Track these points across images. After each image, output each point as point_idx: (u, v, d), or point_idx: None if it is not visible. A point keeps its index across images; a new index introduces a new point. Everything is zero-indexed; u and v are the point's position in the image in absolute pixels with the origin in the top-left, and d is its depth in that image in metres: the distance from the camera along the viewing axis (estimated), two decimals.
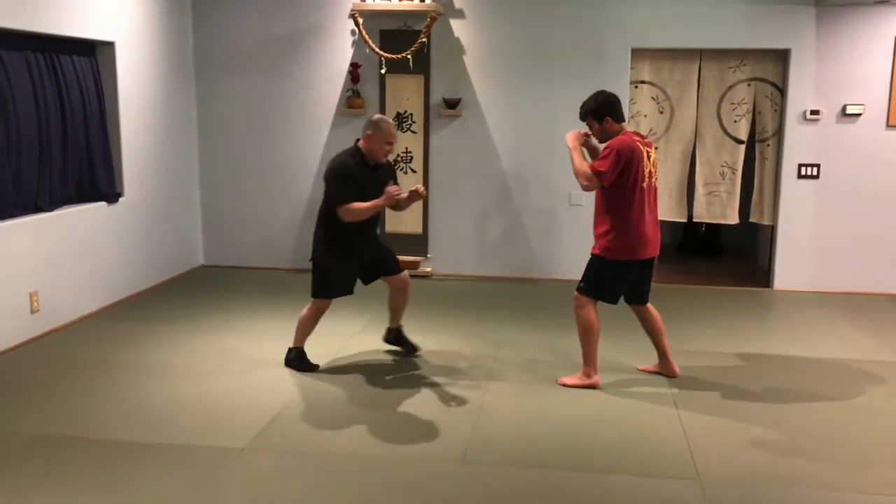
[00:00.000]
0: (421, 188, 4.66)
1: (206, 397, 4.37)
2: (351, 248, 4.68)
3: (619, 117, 4.53)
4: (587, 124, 4.58)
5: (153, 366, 4.85)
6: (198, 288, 6.81)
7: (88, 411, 4.17)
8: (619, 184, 4.37)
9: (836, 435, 3.96)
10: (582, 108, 4.58)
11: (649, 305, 4.71)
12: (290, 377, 4.67)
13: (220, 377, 4.67)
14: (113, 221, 6.18)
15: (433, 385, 4.60)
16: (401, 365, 4.94)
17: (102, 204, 6.06)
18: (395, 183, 4.73)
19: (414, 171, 7.21)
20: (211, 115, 7.41)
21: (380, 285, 4.99)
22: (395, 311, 5.08)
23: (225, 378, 4.66)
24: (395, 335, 5.13)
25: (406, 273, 4.99)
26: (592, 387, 4.56)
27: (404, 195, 4.62)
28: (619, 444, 3.84)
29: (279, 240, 7.50)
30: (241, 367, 4.86)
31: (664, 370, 4.81)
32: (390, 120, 4.73)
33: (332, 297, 4.78)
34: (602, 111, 4.49)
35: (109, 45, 6.09)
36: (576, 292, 4.60)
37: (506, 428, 4.02)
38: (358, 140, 4.67)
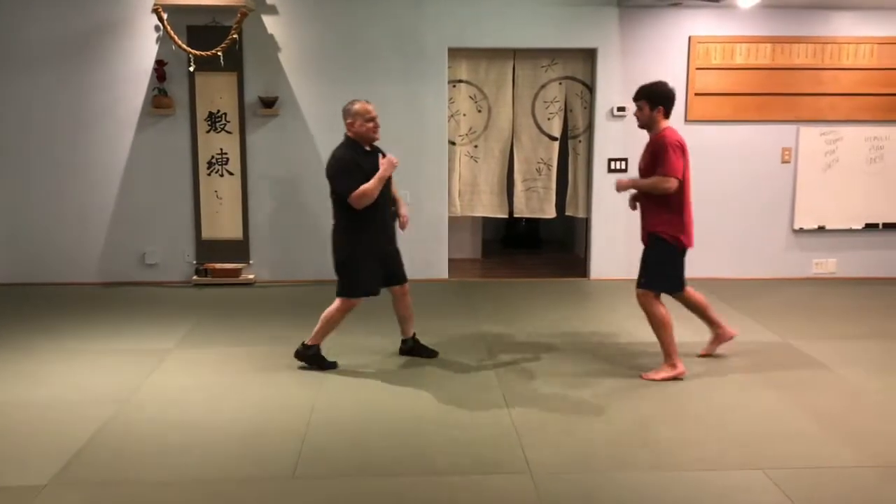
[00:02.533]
0: (392, 158, 4.65)
1: (5, 430, 3.90)
2: (373, 241, 4.64)
3: (668, 112, 4.61)
4: (637, 105, 4.61)
5: None
6: None
7: None
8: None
9: (653, 416, 4.14)
10: (642, 88, 4.63)
11: (689, 288, 4.81)
12: (97, 404, 4.27)
13: (17, 407, 4.20)
14: None
15: (258, 400, 4.37)
16: (220, 380, 4.66)
17: None
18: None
19: (231, 174, 6.90)
20: (2, 120, 6.72)
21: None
22: (405, 321, 4.99)
23: (24, 408, 4.19)
24: (410, 346, 5.03)
25: (407, 283, 4.94)
26: (678, 377, 4.59)
27: (396, 160, 4.64)
28: (455, 443, 3.81)
29: (82, 252, 6.93)
30: (43, 394, 4.40)
31: (722, 338, 4.95)
32: (361, 100, 4.70)
33: (360, 297, 4.70)
34: (659, 100, 4.56)
35: None
36: (639, 289, 4.63)
37: (338, 436, 3.88)
38: (346, 134, 4.66)
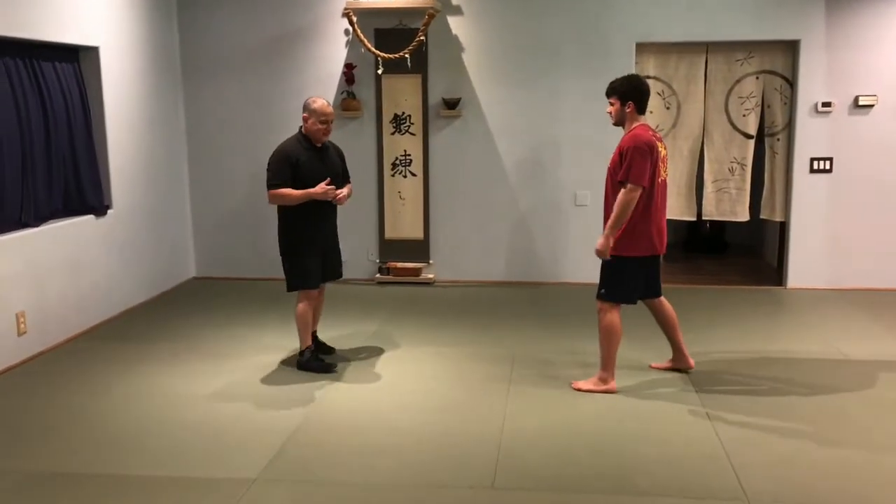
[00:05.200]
0: (340, 194, 4.70)
1: (207, 424, 4.08)
2: (315, 235, 4.73)
3: (642, 108, 4.38)
4: (609, 101, 4.41)
5: (148, 390, 4.55)
6: (191, 302, 6.52)
7: (78, 443, 3.88)
8: None
9: (881, 440, 3.74)
10: (611, 84, 4.42)
11: (662, 298, 4.60)
12: (295, 399, 4.39)
13: (222, 401, 4.39)
14: (101, 235, 5.88)
15: (449, 403, 4.34)
16: (407, 381, 4.67)
17: (90, 217, 5.76)
18: (344, 166, 4.93)
19: (414, 175, 6.96)
20: (200, 121, 7.12)
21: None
22: (315, 320, 5.05)
23: (227, 402, 4.38)
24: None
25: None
26: (609, 392, 4.37)
27: (341, 193, 4.70)
28: (657, 461, 3.60)
29: (275, 249, 7.18)
30: (244, 388, 4.58)
31: (679, 364, 4.70)
32: (324, 99, 4.73)
33: (316, 286, 4.79)
34: (629, 95, 4.34)
35: (93, 50, 5.79)
36: (598, 300, 4.40)
37: (534, 446, 3.77)
38: (300, 127, 4.74)
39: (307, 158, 4.64)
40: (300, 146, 4.67)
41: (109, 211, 5.98)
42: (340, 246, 5.07)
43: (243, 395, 4.46)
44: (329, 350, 5.11)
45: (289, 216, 4.72)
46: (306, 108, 4.66)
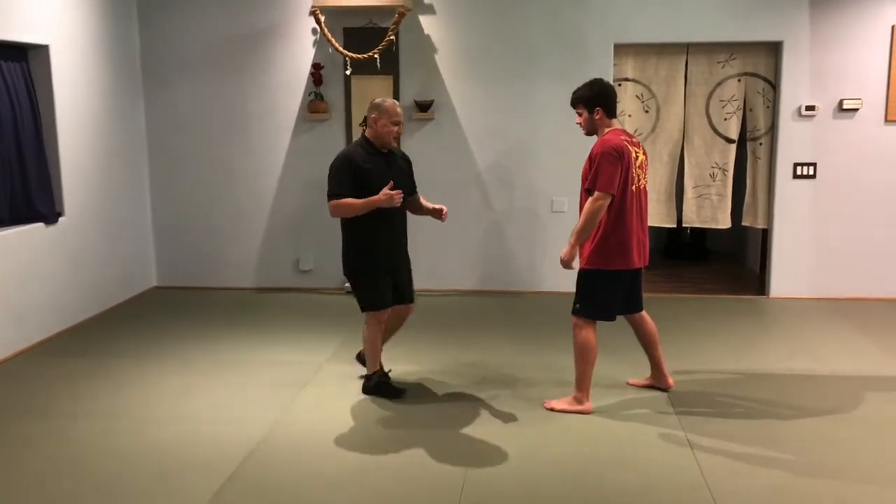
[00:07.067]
0: (444, 211, 4.41)
1: (158, 447, 3.79)
2: (385, 251, 4.31)
3: (611, 111, 4.14)
4: (577, 112, 4.17)
5: (98, 410, 4.26)
6: (151, 313, 6.22)
7: (18, 467, 3.58)
8: None
9: (869, 470, 3.52)
10: (574, 93, 4.18)
11: (644, 313, 4.37)
12: (248, 422, 4.11)
13: (176, 422, 4.10)
14: (52, 244, 5.57)
15: (413, 425, 4.08)
16: (370, 401, 4.39)
17: (40, 225, 5.45)
18: (411, 174, 4.48)
19: None
20: (161, 123, 6.82)
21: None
22: (386, 333, 4.61)
23: (181, 423, 4.09)
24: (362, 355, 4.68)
25: (413, 305, 4.56)
26: (584, 412, 4.13)
27: (398, 196, 4.15)
28: (634, 491, 3.36)
29: (240, 257, 6.94)
30: (196, 407, 4.30)
31: (658, 383, 4.47)
32: (393, 99, 4.32)
33: (384, 308, 4.35)
34: (595, 101, 4.09)
35: (42, 49, 5.48)
36: (573, 316, 4.15)
37: (502, 473, 3.51)
38: (364, 130, 4.34)
39: (372, 165, 4.21)
40: (364, 152, 4.24)
41: (61, 218, 5.67)
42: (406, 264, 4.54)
43: (195, 416, 4.18)
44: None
45: (355, 231, 4.27)
46: (376, 107, 4.23)
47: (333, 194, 4.17)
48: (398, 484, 3.44)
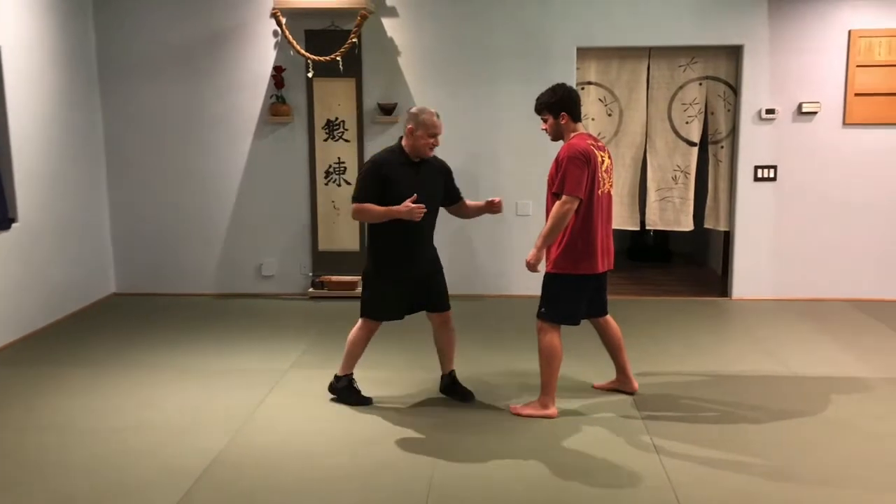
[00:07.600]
0: (497, 200, 4.27)
1: (116, 460, 3.69)
2: (404, 262, 4.19)
3: (576, 115, 4.13)
4: (542, 118, 4.15)
5: (52, 422, 4.14)
6: (110, 320, 6.09)
7: None
8: None
9: (836, 470, 3.54)
10: (538, 100, 4.16)
11: (609, 317, 4.38)
12: (211, 430, 4.02)
13: (134, 433, 4.00)
14: (5, 250, 5.42)
15: (378, 434, 4.02)
16: (334, 409, 4.33)
17: None
18: (451, 183, 4.35)
19: (349, 183, 6.62)
20: (119, 126, 6.69)
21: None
22: (444, 354, 4.46)
23: (140, 434, 3.99)
24: (447, 383, 4.48)
25: (450, 311, 4.41)
26: (549, 417, 4.11)
27: (420, 211, 4.02)
28: (600, 497, 3.34)
29: (201, 262, 6.82)
30: (157, 417, 4.19)
31: (623, 386, 4.47)
32: (432, 109, 4.17)
33: (382, 320, 4.29)
34: (559, 106, 4.08)
35: None
36: (538, 320, 4.13)
37: (468, 481, 3.48)
38: (401, 137, 4.21)
39: (401, 174, 4.10)
40: (395, 159, 4.14)
41: (14, 224, 5.52)
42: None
43: (154, 426, 4.08)
44: (465, 394, 4.42)
45: (377, 235, 4.19)
46: (414, 118, 4.08)
47: (357, 197, 4.12)
48: (363, 490, 3.38)
